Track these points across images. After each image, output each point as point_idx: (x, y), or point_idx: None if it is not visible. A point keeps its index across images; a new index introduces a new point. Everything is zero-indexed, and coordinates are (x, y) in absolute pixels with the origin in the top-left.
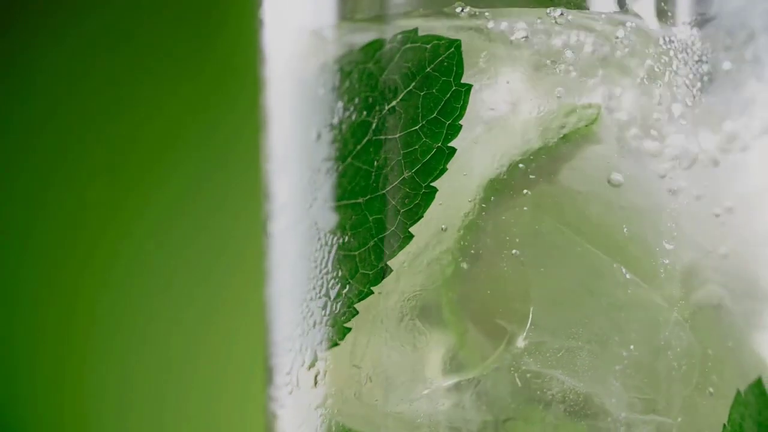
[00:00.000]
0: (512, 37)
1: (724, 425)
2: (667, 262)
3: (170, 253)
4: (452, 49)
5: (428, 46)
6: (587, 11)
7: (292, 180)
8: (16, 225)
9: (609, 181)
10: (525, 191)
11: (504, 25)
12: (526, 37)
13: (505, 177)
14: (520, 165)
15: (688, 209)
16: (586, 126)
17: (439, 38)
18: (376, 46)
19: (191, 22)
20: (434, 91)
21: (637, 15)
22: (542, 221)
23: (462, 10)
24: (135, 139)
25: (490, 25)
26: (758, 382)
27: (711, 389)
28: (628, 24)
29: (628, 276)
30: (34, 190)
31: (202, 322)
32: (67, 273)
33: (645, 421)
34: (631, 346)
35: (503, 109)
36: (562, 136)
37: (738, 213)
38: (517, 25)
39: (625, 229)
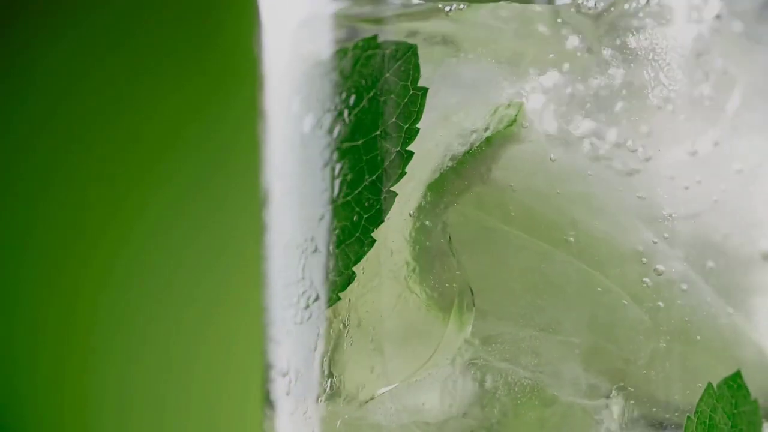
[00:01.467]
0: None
1: (689, 417)
2: (618, 244)
3: (170, 253)
4: (409, 52)
5: (386, 52)
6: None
7: (276, 188)
8: (16, 225)
9: (545, 175)
10: (459, 193)
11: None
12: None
13: (440, 180)
14: (452, 168)
15: (630, 191)
16: (506, 127)
17: (397, 43)
18: (340, 54)
19: (190, 23)
20: (393, 95)
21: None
22: (482, 221)
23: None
24: (134, 139)
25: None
26: (736, 375)
27: (670, 368)
28: (559, 17)
29: (575, 263)
30: (34, 190)
31: (203, 322)
32: (67, 273)
33: (600, 405)
34: (582, 332)
35: (440, 110)
36: (485, 139)
37: (681, 180)
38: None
39: (571, 218)
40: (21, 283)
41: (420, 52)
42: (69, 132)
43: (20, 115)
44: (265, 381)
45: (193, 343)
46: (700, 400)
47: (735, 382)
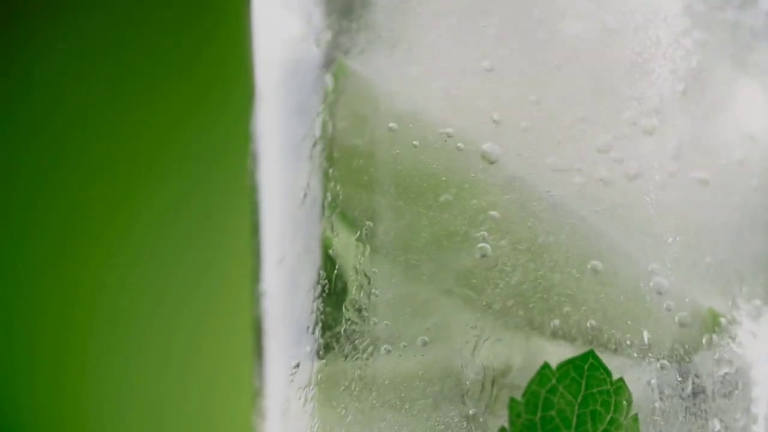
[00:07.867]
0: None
1: (513, 399)
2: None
3: (168, 254)
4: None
5: None
6: None
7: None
8: (16, 225)
9: (389, 128)
10: (333, 165)
11: None
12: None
13: (319, 165)
14: (315, 144)
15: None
16: (333, 85)
17: None
18: None
19: (185, 26)
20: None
21: None
22: (352, 185)
23: None
24: (131, 140)
25: None
26: (587, 354)
27: (556, 325)
28: None
29: (423, 212)
30: (33, 190)
31: (200, 322)
32: (67, 273)
33: (500, 370)
34: (469, 290)
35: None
36: (325, 102)
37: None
38: None
39: (417, 167)
40: (21, 283)
41: None
42: (67, 133)
43: (19, 115)
44: (257, 335)
45: (191, 343)
46: (531, 381)
47: (585, 363)
